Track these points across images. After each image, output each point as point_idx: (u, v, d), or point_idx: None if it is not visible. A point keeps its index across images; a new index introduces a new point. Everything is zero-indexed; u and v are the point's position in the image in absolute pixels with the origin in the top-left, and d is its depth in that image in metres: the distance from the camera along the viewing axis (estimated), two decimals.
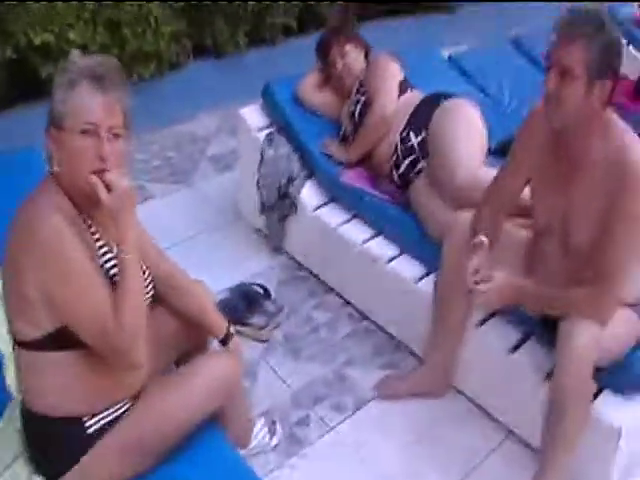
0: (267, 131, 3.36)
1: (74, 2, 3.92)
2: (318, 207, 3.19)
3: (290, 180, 3.22)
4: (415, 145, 2.94)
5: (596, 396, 2.22)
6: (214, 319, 2.08)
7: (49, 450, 1.77)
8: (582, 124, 2.05)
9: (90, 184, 1.62)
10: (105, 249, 1.73)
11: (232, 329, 2.10)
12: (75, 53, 1.76)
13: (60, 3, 3.87)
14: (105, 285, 1.65)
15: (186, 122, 4.58)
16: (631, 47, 4.55)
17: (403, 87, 3.11)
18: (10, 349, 1.82)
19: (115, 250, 1.72)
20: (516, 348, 2.47)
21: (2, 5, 3.73)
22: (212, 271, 2.84)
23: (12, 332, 1.72)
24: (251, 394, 2.62)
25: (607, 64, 1.97)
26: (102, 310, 1.61)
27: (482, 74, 3.82)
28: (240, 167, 3.66)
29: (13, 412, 1.87)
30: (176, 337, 2.06)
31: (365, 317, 3.04)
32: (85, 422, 1.73)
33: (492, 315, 2.55)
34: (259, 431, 2.37)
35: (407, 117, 3.01)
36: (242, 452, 2.23)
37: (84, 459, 1.73)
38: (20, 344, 1.70)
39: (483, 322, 2.57)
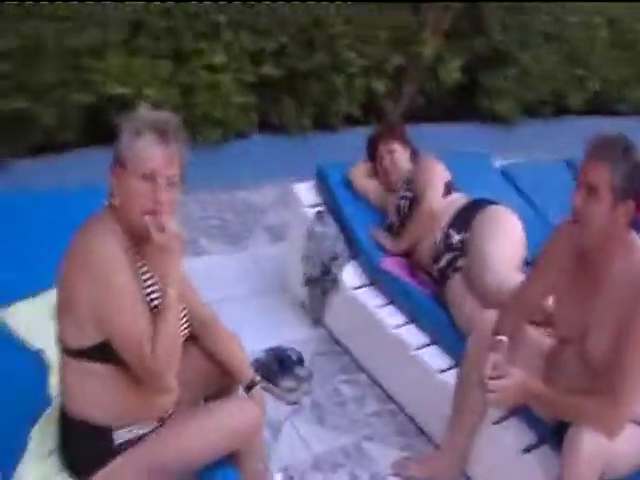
0: (317, 209, 3.59)
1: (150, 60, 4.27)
2: (357, 287, 3.36)
3: (334, 258, 3.41)
4: (456, 243, 3.12)
5: None
6: (241, 366, 2.23)
7: (78, 451, 1.95)
8: (606, 243, 2.18)
9: (144, 223, 1.83)
10: (150, 282, 1.94)
11: (257, 379, 2.24)
12: (144, 106, 1.96)
13: (137, 60, 4.23)
14: (145, 311, 1.85)
15: (245, 190, 4.86)
16: None
17: (449, 188, 3.32)
18: (56, 358, 2.01)
19: (158, 284, 1.92)
20: (529, 450, 2.51)
21: (88, 59, 4.08)
22: (252, 332, 3.08)
23: (60, 339, 1.91)
24: (273, 450, 2.76)
25: (631, 186, 2.09)
26: (142, 334, 1.80)
27: (533, 189, 3.98)
28: (289, 239, 3.88)
29: (52, 412, 2.07)
30: (205, 377, 2.21)
31: (391, 399, 3.16)
32: (113, 432, 1.91)
33: (512, 414, 2.61)
34: None
35: (451, 216, 3.20)
36: None
37: (107, 468, 1.90)
38: (66, 351, 1.90)
39: (501, 419, 2.63)
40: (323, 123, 5.21)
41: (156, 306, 1.91)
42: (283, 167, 4.75)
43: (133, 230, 1.89)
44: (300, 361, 3.20)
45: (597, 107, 7.21)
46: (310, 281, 3.53)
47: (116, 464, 1.91)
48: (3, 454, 1.96)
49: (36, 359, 2.27)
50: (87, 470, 1.92)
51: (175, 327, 1.90)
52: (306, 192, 3.69)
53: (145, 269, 1.95)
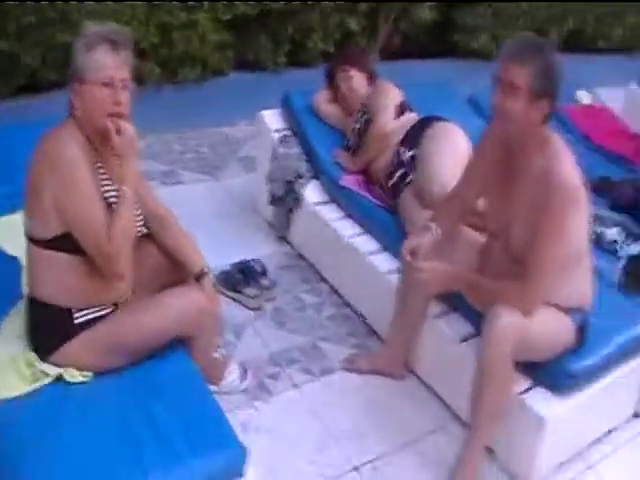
0: (282, 133, 3.84)
1: (129, 3, 4.46)
2: (319, 204, 3.62)
3: (297, 177, 3.67)
4: (406, 160, 3.34)
5: (529, 390, 2.56)
6: (192, 257, 2.47)
7: (43, 331, 2.22)
8: (524, 139, 2.37)
9: (106, 126, 2.10)
10: (107, 181, 2.20)
11: (206, 269, 2.47)
12: (90, 23, 2.19)
13: (114, 3, 4.41)
14: (102, 207, 2.11)
15: (223, 125, 5.10)
16: None
17: (402, 109, 3.55)
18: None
19: (115, 185, 2.19)
20: (466, 339, 2.78)
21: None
22: (221, 249, 3.40)
23: (26, 231, 2.17)
24: (233, 348, 3.04)
25: (545, 85, 2.25)
26: (97, 223, 2.07)
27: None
28: (257, 164, 4.13)
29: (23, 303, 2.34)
30: (160, 271, 2.47)
31: (347, 304, 3.43)
32: (73, 313, 2.18)
33: (451, 309, 2.91)
34: (231, 374, 2.78)
35: (402, 135, 3.43)
36: (212, 388, 2.60)
37: (69, 344, 2.17)
38: (33, 242, 2.16)
39: (441, 315, 2.92)
40: (298, 60, 5.40)
41: (112, 203, 2.17)
42: (259, 103, 4.92)
43: (95, 135, 2.15)
44: (263, 272, 3.47)
45: (575, 44, 7.36)
46: (275, 200, 3.80)
47: (76, 342, 2.19)
48: None
49: (12, 262, 2.52)
50: (50, 347, 2.19)
51: (128, 220, 2.17)
52: (273, 118, 3.95)
53: (103, 171, 2.20)
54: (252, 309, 3.33)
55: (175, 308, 2.30)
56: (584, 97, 5.12)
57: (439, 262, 2.57)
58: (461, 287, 2.61)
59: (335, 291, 3.53)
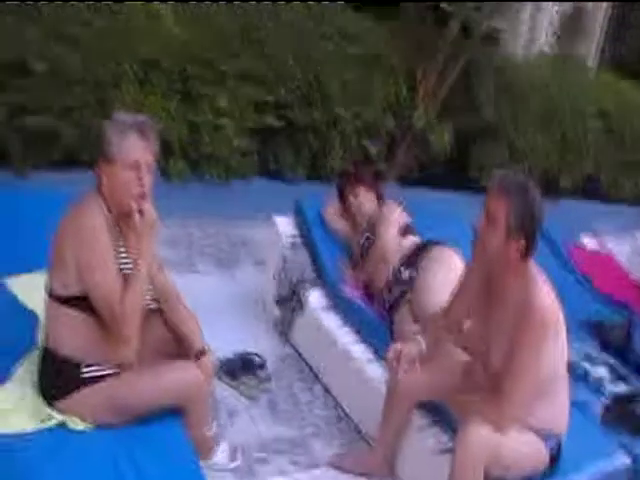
0: (292, 238, 4.08)
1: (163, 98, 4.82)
2: (319, 309, 3.79)
3: (301, 282, 3.87)
4: (405, 278, 3.53)
5: None
6: (194, 336, 2.65)
7: (52, 379, 2.39)
8: (502, 268, 2.51)
9: (129, 206, 2.33)
10: (124, 254, 2.41)
11: (206, 349, 2.65)
12: (120, 111, 2.49)
13: (151, 96, 4.78)
14: (117, 275, 2.32)
15: (243, 226, 5.34)
16: None
17: (405, 231, 3.77)
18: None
19: (131, 259, 2.39)
20: (447, 451, 2.81)
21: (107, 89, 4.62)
22: (226, 338, 3.56)
23: (47, 289, 2.37)
24: (226, 430, 3.15)
25: (523, 227, 2.39)
26: (113, 292, 2.27)
27: None
28: (268, 264, 4.34)
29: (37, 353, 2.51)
30: (164, 343, 2.65)
31: (339, 406, 3.54)
32: (81, 368, 2.36)
33: (434, 422, 3.00)
34: (221, 452, 2.90)
35: (403, 255, 3.63)
36: (202, 463, 2.66)
37: (74, 395, 2.35)
38: (52, 298, 2.36)
39: (424, 426, 3.01)
40: (318, 174, 5.71)
41: (127, 275, 2.37)
42: (278, 209, 5.23)
43: (117, 212, 2.39)
44: (262, 365, 3.62)
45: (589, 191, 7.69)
46: (280, 300, 3.99)
47: (81, 394, 2.36)
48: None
49: (31, 315, 2.74)
50: (57, 395, 2.37)
51: (139, 294, 2.37)
52: (285, 224, 4.19)
53: (122, 244, 2.42)
54: (247, 397, 3.46)
55: (173, 380, 2.48)
56: (589, 242, 5.31)
57: (421, 372, 2.72)
58: (437, 397, 2.78)
59: (328, 392, 3.65)
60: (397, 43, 5.90)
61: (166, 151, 5.06)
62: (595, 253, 5.25)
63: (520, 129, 6.79)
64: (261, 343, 3.90)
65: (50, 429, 2.32)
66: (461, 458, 2.48)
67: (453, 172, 6.66)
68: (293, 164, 5.72)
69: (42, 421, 2.32)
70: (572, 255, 5.03)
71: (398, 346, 2.79)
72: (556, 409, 2.65)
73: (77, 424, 2.35)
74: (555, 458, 2.66)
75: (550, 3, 7.84)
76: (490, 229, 2.45)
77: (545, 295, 2.47)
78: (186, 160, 5.20)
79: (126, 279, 2.36)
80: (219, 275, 4.68)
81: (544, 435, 2.60)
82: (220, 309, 4.12)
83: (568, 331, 3.57)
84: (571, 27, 8.25)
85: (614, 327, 4.06)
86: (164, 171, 5.14)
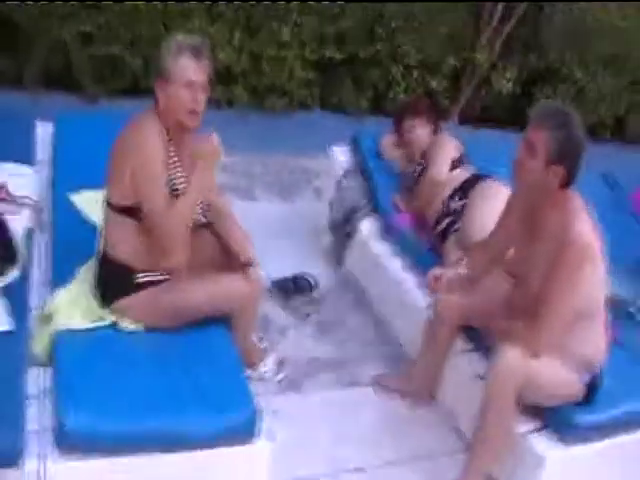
0: (347, 167, 4.19)
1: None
2: (371, 236, 3.91)
3: (355, 209, 3.99)
4: (456, 209, 3.60)
5: (536, 431, 2.72)
6: (242, 247, 2.76)
7: (108, 283, 2.58)
8: (541, 195, 2.56)
9: (184, 121, 2.47)
10: (178, 168, 2.54)
11: (254, 260, 2.76)
12: (177, 34, 2.59)
13: (216, 25, 4.89)
14: (167, 189, 2.45)
15: (303, 156, 5.42)
16: None
17: (457, 163, 3.80)
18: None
19: (182, 174, 2.54)
20: (483, 377, 2.80)
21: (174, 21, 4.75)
22: (282, 262, 3.81)
23: (106, 197, 2.53)
24: (275, 344, 3.34)
25: (562, 153, 2.43)
26: (159, 203, 2.41)
27: None
28: (324, 193, 4.48)
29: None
30: (214, 255, 2.80)
31: (388, 330, 3.67)
32: (135, 273, 2.54)
33: (474, 348, 3.09)
34: (269, 364, 3.09)
35: (454, 186, 3.68)
36: (249, 372, 2.90)
37: (127, 299, 2.53)
38: (110, 207, 2.52)
39: (463, 352, 3.12)
40: (379, 107, 5.73)
41: (176, 189, 2.52)
42: (338, 141, 5.31)
43: (172, 128, 2.51)
44: (314, 286, 3.79)
45: None
46: (334, 226, 4.13)
47: (133, 298, 2.55)
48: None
49: (93, 227, 2.91)
50: (112, 297, 2.56)
51: (187, 211, 2.50)
52: (342, 154, 4.30)
53: (176, 160, 2.55)
54: (297, 316, 3.64)
55: (220, 288, 2.65)
56: None
57: (462, 296, 2.82)
58: (475, 321, 2.87)
59: (378, 317, 3.78)
60: None
61: (229, 80, 5.18)
62: None
63: (587, 70, 6.63)
64: (315, 267, 4.04)
65: (101, 328, 2.53)
66: (493, 380, 2.58)
67: (516, 112, 6.57)
68: (355, 97, 5.74)
69: (95, 321, 2.53)
70: (637, 199, 4.95)
71: (437, 270, 2.89)
72: (592, 340, 2.69)
73: (128, 325, 2.54)
74: (592, 389, 2.72)
75: None
76: (530, 158, 2.49)
77: (583, 226, 2.51)
78: (248, 90, 5.30)
79: (177, 192, 2.50)
80: (277, 203, 4.84)
81: (579, 364, 2.66)
82: (277, 234, 4.29)
83: (622, 272, 3.70)
84: None
85: None
86: (228, 100, 5.26)
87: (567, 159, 2.47)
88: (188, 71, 2.45)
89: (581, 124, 2.49)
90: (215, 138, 2.53)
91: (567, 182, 2.52)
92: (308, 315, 3.66)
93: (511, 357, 2.55)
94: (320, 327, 3.62)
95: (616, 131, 7.23)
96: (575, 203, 2.56)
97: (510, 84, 6.28)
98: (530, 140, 2.49)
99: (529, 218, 2.69)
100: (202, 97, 2.49)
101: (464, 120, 6.42)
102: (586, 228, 2.51)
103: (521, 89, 6.49)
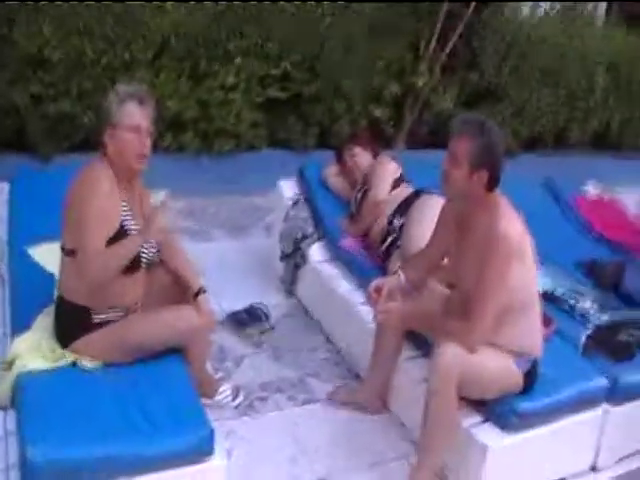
0: (294, 198, 4.40)
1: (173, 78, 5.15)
2: (321, 262, 4.11)
3: (304, 238, 4.18)
4: (397, 227, 3.80)
5: (479, 424, 2.90)
6: (191, 278, 2.94)
7: (66, 324, 2.72)
8: (469, 200, 2.74)
9: (132, 165, 2.65)
10: (126, 210, 2.69)
11: (203, 288, 2.92)
12: (121, 83, 2.77)
13: (162, 75, 5.12)
14: (110, 228, 2.59)
15: (254, 194, 5.68)
16: None
17: (397, 183, 4.02)
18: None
19: (130, 216, 2.70)
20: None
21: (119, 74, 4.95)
22: (236, 295, 4.04)
23: (62, 243, 2.67)
24: (230, 373, 3.50)
25: (484, 159, 2.61)
26: (92, 239, 2.53)
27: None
28: (274, 226, 4.67)
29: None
30: (166, 289, 2.95)
31: (339, 352, 3.85)
32: (92, 314, 2.69)
33: (421, 355, 3.27)
34: (224, 392, 3.23)
35: (396, 205, 3.89)
36: (206, 401, 3.05)
37: (85, 338, 2.67)
38: (64, 252, 2.67)
39: (410, 358, 3.30)
40: (326, 142, 5.95)
41: (126, 230, 2.67)
42: (287, 177, 5.52)
43: (121, 172, 2.68)
44: (266, 316, 3.97)
45: (601, 145, 7.82)
46: (284, 256, 4.31)
47: (91, 336, 2.69)
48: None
49: (49, 277, 3.06)
50: (70, 338, 2.70)
51: (120, 258, 2.62)
52: (289, 187, 4.53)
53: (125, 204, 2.71)
54: (252, 345, 3.80)
55: (171, 320, 2.78)
56: (592, 188, 5.46)
57: (403, 304, 2.99)
58: (416, 325, 3.03)
59: (330, 340, 3.96)
60: (398, 10, 6.09)
61: (179, 127, 5.39)
62: (598, 199, 5.38)
63: (525, 87, 6.92)
64: (268, 297, 4.23)
65: (62, 368, 2.67)
66: (433, 377, 2.73)
67: None
68: (301, 134, 5.98)
69: (55, 361, 2.66)
70: (575, 203, 5.19)
71: (377, 281, 3.06)
72: (527, 332, 2.86)
73: (87, 363, 2.68)
74: (531, 379, 2.89)
75: None
76: (454, 167, 2.67)
77: (509, 223, 2.66)
78: (198, 135, 5.51)
79: (125, 233, 2.65)
80: (231, 241, 5.06)
81: (516, 355, 2.82)
82: (231, 270, 4.53)
83: (561, 271, 3.89)
84: None
85: (607, 265, 4.20)
86: (179, 146, 5.47)
87: (488, 163, 2.64)
88: (134, 117, 2.64)
89: (498, 130, 2.70)
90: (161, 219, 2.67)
91: (492, 185, 2.71)
92: (262, 343, 3.83)
93: (448, 353, 2.70)
94: (274, 353, 3.79)
95: (557, 142, 7.51)
96: (501, 203, 2.73)
97: (451, 104, 6.52)
98: (452, 151, 2.68)
99: (460, 224, 2.86)
100: (148, 141, 2.68)
101: (412, 144, 6.65)
102: (512, 225, 2.67)
103: (463, 109, 6.73)
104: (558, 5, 8.18)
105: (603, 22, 8.72)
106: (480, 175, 2.65)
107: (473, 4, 6.23)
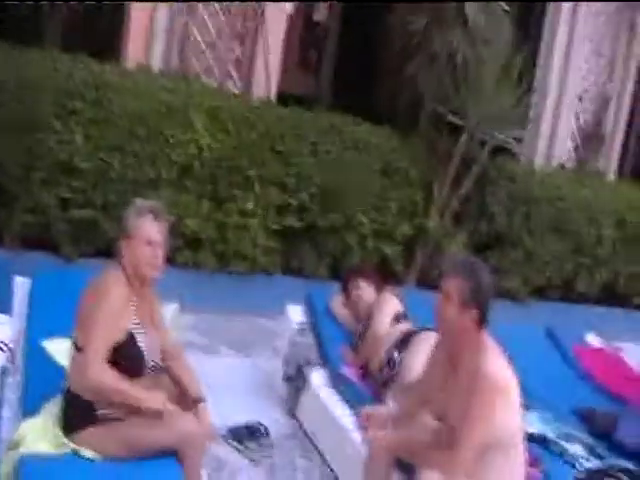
0: (300, 325, 4.58)
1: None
2: (321, 387, 4.22)
3: (307, 363, 4.34)
4: (396, 361, 3.94)
5: None
6: (193, 388, 3.11)
7: (71, 416, 2.86)
8: (458, 338, 2.87)
9: (145, 274, 2.90)
10: (135, 315, 2.90)
11: (203, 398, 3.09)
12: (139, 200, 3.05)
13: (184, 196, 5.46)
14: (118, 336, 2.79)
15: (265, 317, 5.85)
16: None
17: (399, 318, 4.22)
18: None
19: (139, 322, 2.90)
20: None
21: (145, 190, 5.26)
22: (238, 410, 4.15)
23: (74, 339, 2.86)
24: None
25: (475, 298, 2.74)
26: (97, 353, 2.74)
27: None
28: (280, 348, 4.80)
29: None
30: (169, 394, 3.04)
31: (335, 477, 3.90)
32: (96, 408, 2.83)
33: None
34: None
35: (395, 339, 4.04)
36: None
37: (87, 430, 2.81)
38: (76, 347, 2.85)
39: None
40: (338, 273, 6.08)
41: (134, 340, 2.87)
42: (297, 303, 5.72)
43: (134, 279, 2.92)
44: (265, 433, 4.06)
45: (610, 297, 7.97)
46: (288, 379, 4.47)
47: (93, 430, 2.83)
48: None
49: (61, 369, 3.23)
50: (74, 429, 2.84)
51: (121, 395, 2.82)
52: (296, 312, 4.74)
53: (134, 307, 2.92)
54: (249, 460, 3.89)
55: (171, 426, 2.90)
56: (593, 340, 5.59)
57: (393, 433, 3.11)
58: (403, 453, 3.10)
59: (326, 463, 4.02)
60: (413, 153, 6.45)
61: (197, 246, 5.67)
62: (599, 350, 5.50)
63: (534, 236, 7.17)
64: (269, 416, 4.33)
65: (65, 454, 2.81)
66: None
67: None
68: (314, 263, 6.23)
69: (58, 447, 2.81)
70: (577, 353, 5.31)
71: (368, 409, 3.19)
72: (506, 470, 2.91)
73: (87, 454, 2.81)
74: None
75: (570, 114, 8.32)
76: (446, 305, 2.83)
77: (495, 363, 2.80)
78: (215, 255, 5.77)
79: (132, 336, 2.86)
80: (238, 358, 5.22)
81: None
82: (235, 387, 4.67)
83: (557, 416, 3.98)
84: (591, 137, 8.67)
85: (603, 413, 4.27)
86: (195, 264, 5.72)
87: (478, 302, 2.78)
88: (149, 231, 2.90)
89: (487, 270, 2.87)
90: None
91: (481, 323, 2.85)
92: (260, 458, 3.91)
93: None
94: (270, 470, 3.86)
95: (565, 291, 7.68)
96: (486, 342, 2.87)
97: (462, 248, 6.74)
98: (444, 289, 2.85)
99: (450, 362, 2.99)
100: (160, 252, 2.93)
101: (423, 283, 6.84)
102: (497, 364, 2.80)
103: (473, 253, 6.95)
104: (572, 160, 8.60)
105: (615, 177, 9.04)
106: (471, 313, 2.81)
107: (487, 150, 6.52)
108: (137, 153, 5.22)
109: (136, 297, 2.95)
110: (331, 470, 3.98)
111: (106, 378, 2.78)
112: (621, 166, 9.25)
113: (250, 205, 5.69)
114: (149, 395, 2.87)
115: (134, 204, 3.00)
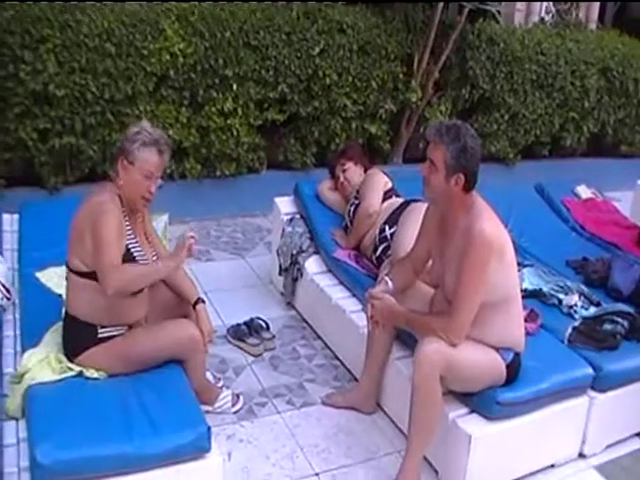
0: (290, 215, 4.62)
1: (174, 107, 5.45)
2: (317, 274, 4.29)
3: (300, 252, 4.39)
4: (388, 236, 3.99)
5: (465, 415, 3.07)
6: (189, 290, 3.21)
7: (72, 339, 2.94)
8: (448, 203, 2.89)
9: (137, 205, 2.92)
10: (130, 232, 2.91)
11: (201, 298, 3.21)
12: (146, 122, 2.97)
13: (162, 106, 5.40)
14: (120, 249, 2.81)
15: (255, 216, 5.97)
16: None
17: (388, 194, 4.22)
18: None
19: (135, 241, 2.93)
20: None
21: (124, 106, 5.23)
22: (237, 310, 4.25)
23: (68, 264, 2.89)
24: (230, 382, 3.71)
25: (459, 163, 2.75)
26: (109, 265, 2.74)
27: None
28: (272, 242, 4.90)
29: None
30: (168, 303, 3.19)
31: (336, 357, 4.05)
32: (97, 329, 2.91)
33: (411, 354, 3.35)
34: (224, 398, 3.44)
35: (387, 215, 4.09)
36: (207, 408, 3.28)
37: (90, 351, 2.89)
38: (71, 272, 2.88)
39: (400, 358, 3.47)
40: (324, 160, 6.09)
41: (133, 255, 2.88)
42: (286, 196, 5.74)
43: (128, 202, 2.91)
44: (267, 327, 4.17)
45: (597, 149, 7.95)
46: (282, 270, 4.52)
47: (96, 350, 2.91)
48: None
49: (57, 297, 3.32)
50: (77, 352, 2.92)
51: (144, 278, 2.90)
52: (284, 204, 4.76)
53: (129, 227, 2.93)
54: (252, 355, 4.00)
55: (172, 333, 3.01)
56: (582, 192, 5.62)
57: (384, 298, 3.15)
58: (401, 322, 3.18)
59: (327, 347, 4.16)
60: (389, 28, 6.27)
61: (181, 154, 5.64)
62: (590, 200, 5.52)
63: (519, 96, 7.09)
64: (268, 311, 4.45)
65: (70, 378, 2.89)
66: (415, 371, 2.90)
67: None
68: (300, 154, 6.19)
69: (62, 373, 2.88)
70: (568, 205, 5.35)
71: (370, 290, 3.24)
72: (508, 326, 3.01)
73: (92, 374, 2.90)
74: (514, 371, 3.05)
75: None
76: (433, 172, 2.84)
77: (486, 221, 2.81)
78: (199, 162, 5.75)
79: (129, 253, 2.87)
80: (233, 260, 5.27)
81: (498, 349, 2.98)
82: (232, 287, 4.76)
83: (551, 269, 4.05)
84: None
85: (596, 261, 4.36)
86: (181, 172, 5.70)
87: (464, 167, 2.79)
88: (150, 165, 2.86)
89: (472, 133, 2.84)
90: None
91: (469, 187, 2.86)
92: (263, 352, 4.03)
93: (429, 348, 2.86)
94: (273, 362, 3.99)
95: (554, 148, 7.66)
96: (478, 204, 2.89)
97: (446, 116, 6.69)
98: (430, 157, 2.85)
99: (442, 227, 3.03)
100: (154, 187, 2.90)
101: (409, 159, 6.83)
102: (489, 225, 2.82)
103: (459, 120, 6.88)
104: (551, 13, 8.41)
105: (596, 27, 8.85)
106: (457, 178, 2.81)
107: (466, 13, 6.38)
108: (110, 71, 5.09)
109: (129, 216, 2.94)
110: (333, 353, 4.11)
111: (124, 275, 2.80)
112: (601, 15, 9.03)
113: (229, 105, 5.58)
114: (162, 263, 2.94)
115: (140, 128, 2.90)
